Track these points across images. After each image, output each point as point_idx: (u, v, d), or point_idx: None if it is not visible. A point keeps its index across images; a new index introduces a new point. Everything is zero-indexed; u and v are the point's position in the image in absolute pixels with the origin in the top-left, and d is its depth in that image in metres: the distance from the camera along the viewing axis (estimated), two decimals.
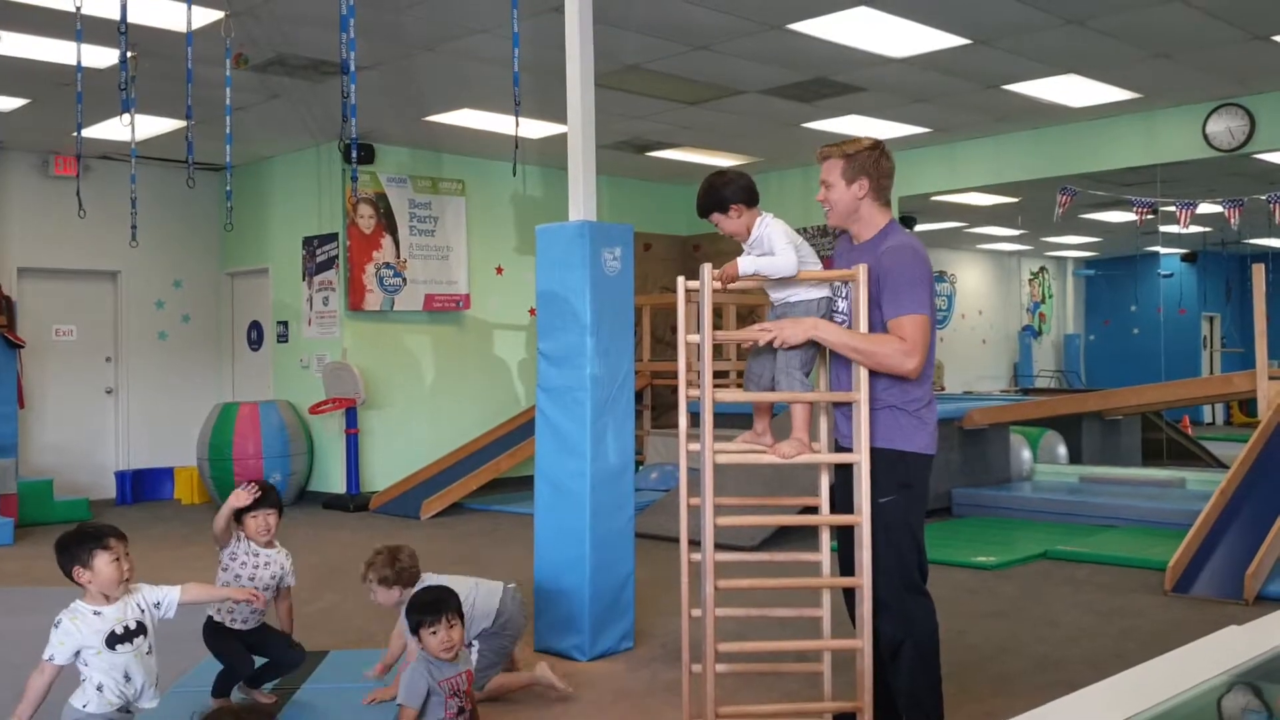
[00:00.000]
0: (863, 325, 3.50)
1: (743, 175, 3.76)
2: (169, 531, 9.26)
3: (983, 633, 5.46)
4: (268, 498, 4.17)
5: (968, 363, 19.45)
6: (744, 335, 3.69)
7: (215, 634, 4.17)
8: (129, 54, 5.83)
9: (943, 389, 14.86)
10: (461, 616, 3.61)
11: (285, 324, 11.31)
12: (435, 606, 3.54)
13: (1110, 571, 6.91)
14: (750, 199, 3.71)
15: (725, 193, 3.69)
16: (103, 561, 3.17)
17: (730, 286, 3.66)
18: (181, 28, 6.33)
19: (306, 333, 11.02)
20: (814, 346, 3.60)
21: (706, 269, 3.59)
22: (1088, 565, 7.12)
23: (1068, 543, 7.63)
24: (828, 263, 3.75)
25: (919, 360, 3.43)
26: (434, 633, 3.51)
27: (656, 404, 11.90)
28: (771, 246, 3.60)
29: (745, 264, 3.61)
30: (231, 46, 6.98)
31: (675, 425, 4.02)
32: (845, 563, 3.67)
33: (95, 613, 3.20)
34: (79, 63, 6.33)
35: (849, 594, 3.66)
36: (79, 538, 3.20)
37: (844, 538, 3.67)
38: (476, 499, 10.33)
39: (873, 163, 3.55)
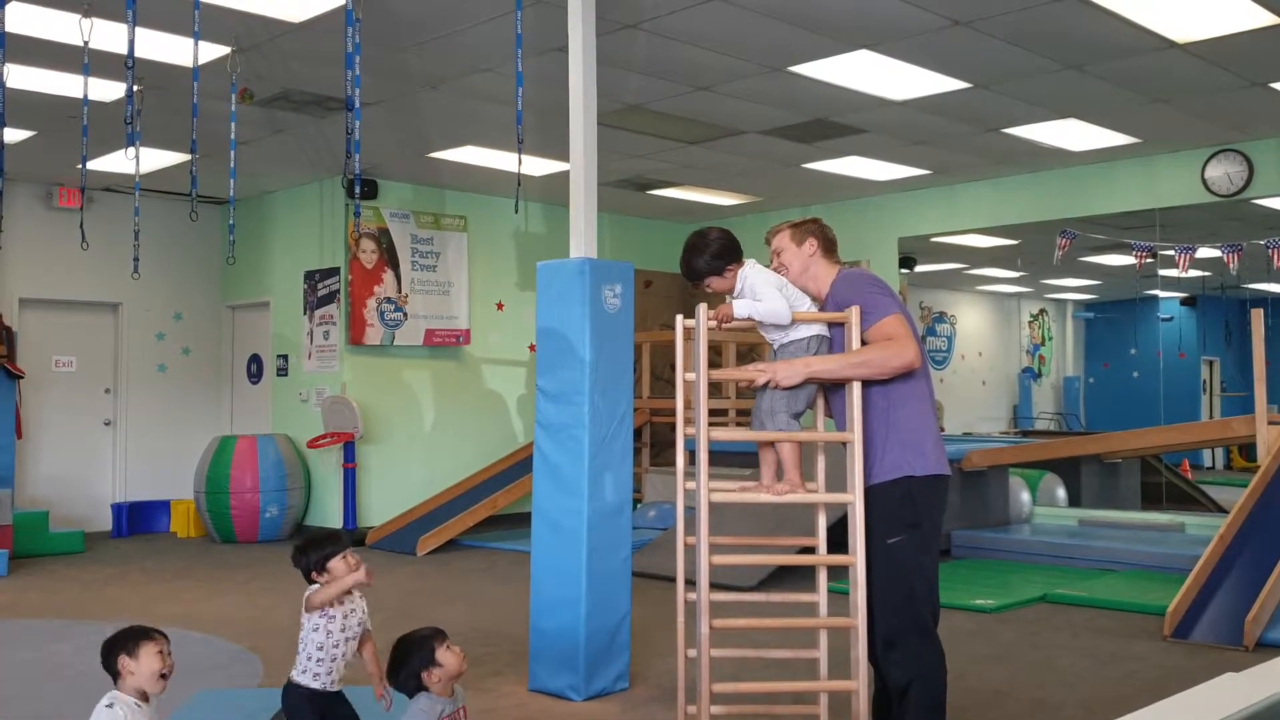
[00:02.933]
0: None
1: (725, 232, 3.81)
2: (163, 565, 9.22)
3: (981, 676, 5.42)
4: (344, 538, 3.83)
5: (967, 404, 19.45)
6: (740, 374, 3.70)
7: (295, 707, 3.71)
8: (135, 88, 5.87)
9: (942, 429, 14.84)
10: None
11: (285, 357, 11.32)
12: (420, 645, 3.47)
13: (1109, 616, 6.87)
14: (739, 255, 3.78)
15: (716, 258, 3.74)
16: (149, 652, 3.19)
17: (727, 326, 3.68)
18: (188, 63, 6.39)
19: (306, 366, 11.03)
20: (810, 386, 3.61)
21: (702, 309, 3.62)
22: (1086, 609, 7.08)
23: (1066, 586, 7.59)
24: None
25: (914, 349, 3.49)
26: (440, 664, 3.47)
27: (655, 441, 11.88)
28: (755, 294, 3.64)
29: (740, 307, 3.64)
30: (237, 82, 7.05)
31: (674, 463, 4.02)
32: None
33: (137, 704, 3.18)
34: (85, 96, 6.38)
35: (872, 635, 3.62)
36: (127, 631, 3.25)
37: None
38: (473, 536, 10.29)
39: (817, 228, 3.80)
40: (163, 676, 3.20)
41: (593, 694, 5.00)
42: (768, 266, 3.80)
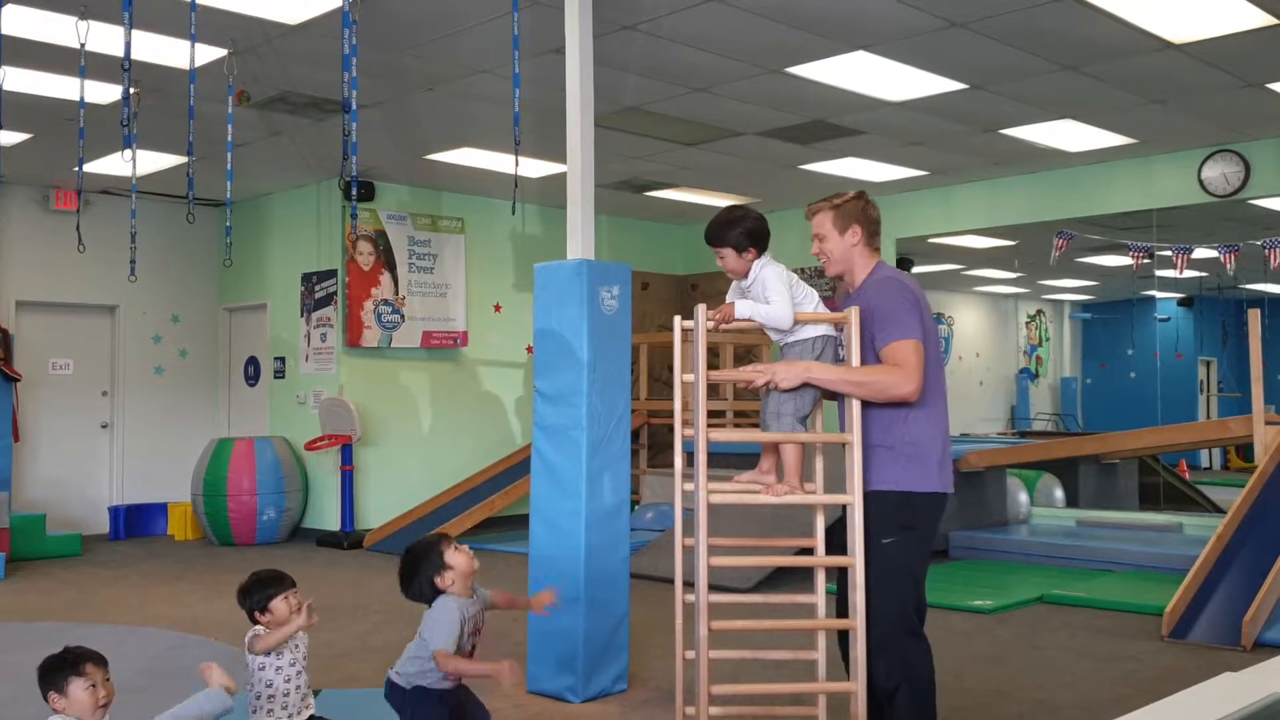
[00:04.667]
0: (855, 363, 3.52)
1: (763, 219, 3.75)
2: (161, 567, 9.21)
3: (979, 677, 5.42)
4: (288, 577, 3.73)
5: (965, 405, 19.48)
6: (738, 375, 3.68)
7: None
8: (132, 90, 5.87)
9: None
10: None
11: (282, 360, 11.31)
12: (427, 551, 3.59)
13: (1107, 616, 6.88)
14: (764, 246, 3.73)
15: (747, 235, 3.68)
16: (78, 689, 3.08)
17: (726, 327, 3.66)
18: (184, 65, 6.39)
19: (304, 368, 11.02)
20: (813, 389, 3.60)
21: (701, 309, 3.60)
22: (1085, 610, 7.08)
23: (1065, 587, 7.59)
24: (829, 303, 3.78)
25: (916, 383, 3.44)
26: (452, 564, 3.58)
27: (653, 443, 11.88)
28: (766, 294, 3.60)
29: (743, 308, 3.61)
30: (233, 84, 7.04)
31: (671, 465, 4.02)
32: (843, 604, 3.64)
33: None
34: (82, 98, 6.37)
35: (842, 636, 3.64)
36: (57, 663, 3.12)
37: (842, 579, 3.65)
38: (471, 537, 10.26)
39: (861, 210, 3.67)
40: (101, 707, 3.06)
41: (591, 695, 4.99)
42: (811, 242, 3.73)
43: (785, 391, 3.56)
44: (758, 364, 3.63)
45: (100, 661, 3.12)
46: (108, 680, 3.11)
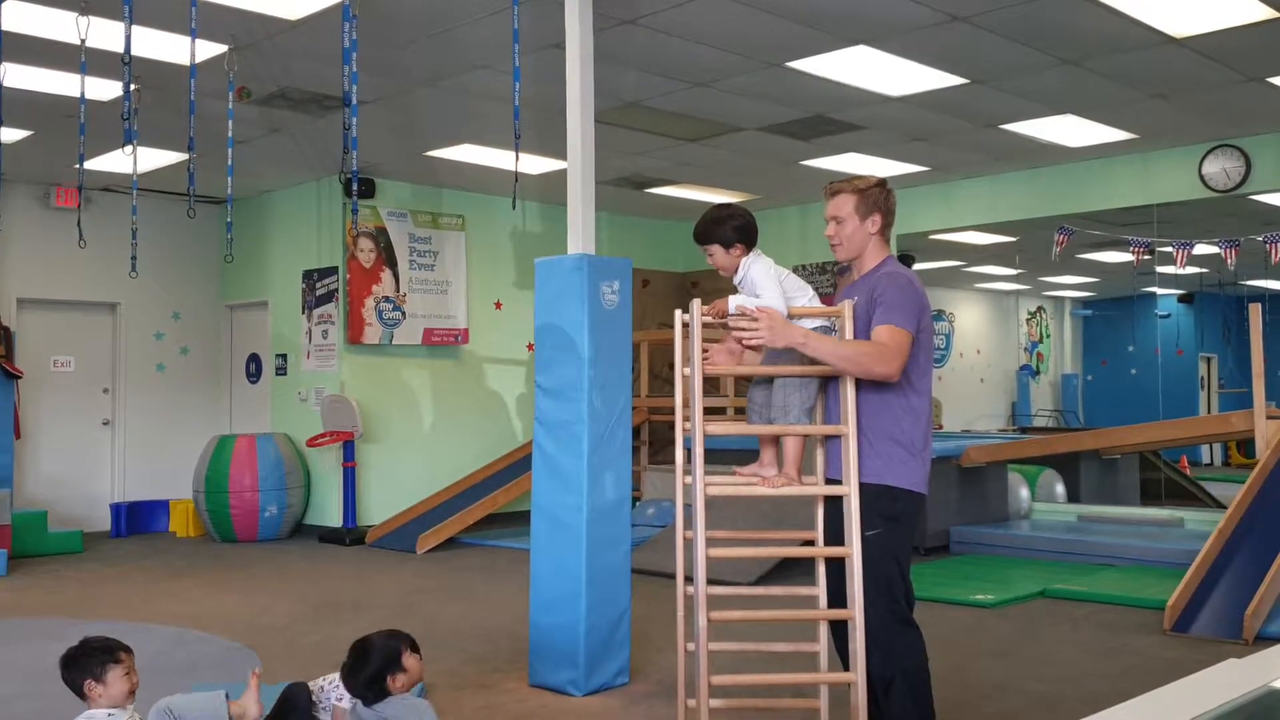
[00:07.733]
0: None
1: (751, 216, 3.79)
2: (163, 564, 9.21)
3: (980, 671, 5.42)
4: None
5: (966, 402, 19.46)
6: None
7: None
8: (132, 87, 5.87)
9: (940, 427, 14.84)
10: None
11: (284, 357, 11.31)
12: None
13: (1109, 611, 6.88)
14: (752, 242, 3.76)
15: (733, 232, 3.72)
16: (116, 676, 3.12)
17: (719, 322, 3.67)
18: (185, 61, 6.39)
19: (305, 365, 11.03)
20: (815, 389, 3.61)
21: (696, 304, 3.62)
22: (1086, 604, 7.08)
23: (1066, 581, 7.60)
24: (827, 300, 3.79)
25: (897, 364, 3.43)
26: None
27: (654, 440, 11.88)
28: (755, 289, 3.63)
29: (736, 304, 3.63)
30: (234, 80, 7.04)
31: (672, 461, 4.02)
32: (832, 596, 3.65)
33: (109, 715, 3.14)
34: (82, 95, 6.37)
35: (835, 628, 3.64)
36: (89, 651, 3.17)
37: (830, 571, 3.66)
38: (473, 534, 10.30)
39: (883, 199, 3.67)
40: (131, 692, 3.14)
41: (593, 689, 5.00)
42: (825, 223, 3.73)
43: (790, 390, 3.57)
44: (758, 308, 3.52)
45: (129, 650, 3.18)
46: (134, 667, 3.16)
